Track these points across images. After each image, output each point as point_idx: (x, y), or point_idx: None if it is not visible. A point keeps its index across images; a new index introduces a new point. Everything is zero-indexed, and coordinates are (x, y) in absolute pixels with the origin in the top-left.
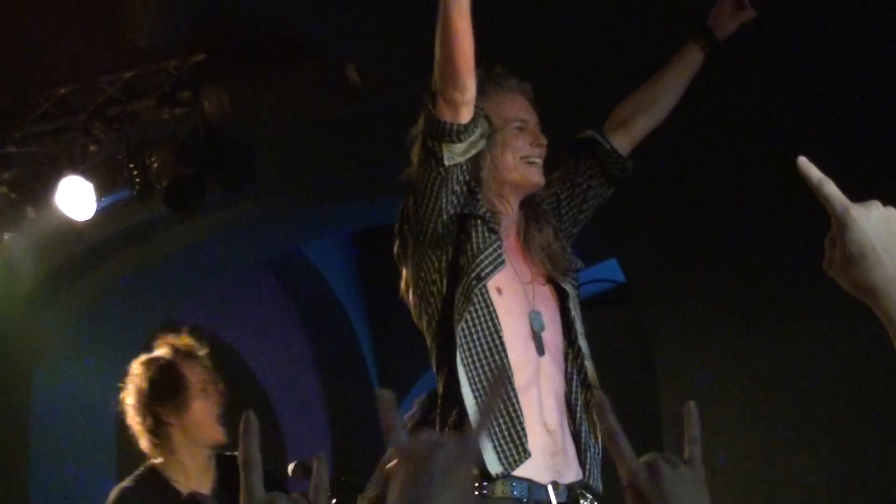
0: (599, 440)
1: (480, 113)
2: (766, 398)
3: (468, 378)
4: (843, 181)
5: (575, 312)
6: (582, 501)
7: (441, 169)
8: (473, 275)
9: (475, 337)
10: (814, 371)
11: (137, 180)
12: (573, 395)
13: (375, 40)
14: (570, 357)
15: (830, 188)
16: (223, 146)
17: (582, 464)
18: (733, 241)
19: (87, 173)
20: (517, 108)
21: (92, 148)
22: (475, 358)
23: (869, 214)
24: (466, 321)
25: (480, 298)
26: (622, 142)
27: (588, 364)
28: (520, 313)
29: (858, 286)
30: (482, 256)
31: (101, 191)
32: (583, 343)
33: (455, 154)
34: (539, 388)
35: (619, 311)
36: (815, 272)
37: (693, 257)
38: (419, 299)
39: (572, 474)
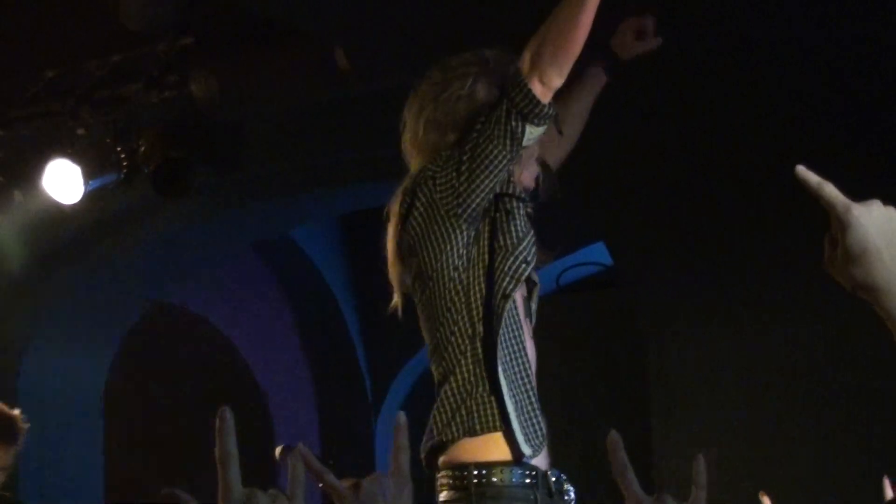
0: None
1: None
2: (753, 381)
3: (503, 360)
4: (835, 171)
5: (534, 306)
6: (566, 486)
7: (515, 148)
8: (521, 257)
9: (512, 321)
10: (802, 355)
11: (125, 164)
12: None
13: (364, 24)
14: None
15: (830, 190)
16: (211, 130)
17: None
18: (721, 224)
19: (74, 157)
20: None
21: (79, 131)
22: (510, 343)
23: (870, 213)
24: (513, 304)
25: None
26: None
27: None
28: (520, 300)
29: (859, 285)
30: (527, 240)
31: (89, 174)
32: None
33: (532, 137)
34: (533, 369)
35: (606, 294)
36: (803, 256)
37: (681, 240)
38: (431, 270)
39: (551, 460)
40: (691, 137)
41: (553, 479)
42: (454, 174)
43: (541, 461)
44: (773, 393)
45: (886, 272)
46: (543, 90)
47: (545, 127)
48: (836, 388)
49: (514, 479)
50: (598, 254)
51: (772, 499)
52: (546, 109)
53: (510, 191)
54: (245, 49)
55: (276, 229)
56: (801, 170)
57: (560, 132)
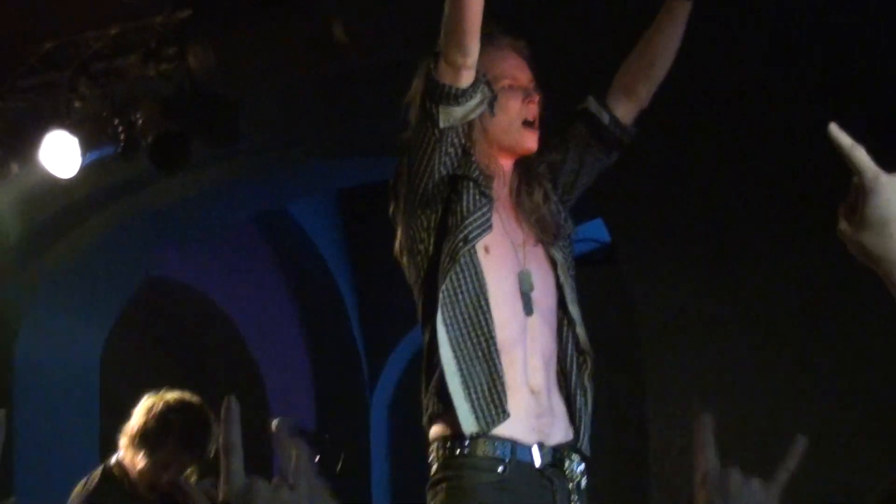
0: (589, 405)
1: (482, 79)
2: (750, 358)
3: (449, 337)
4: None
5: (563, 279)
6: (567, 462)
7: (436, 131)
8: (461, 236)
9: (459, 296)
10: (800, 330)
11: (122, 136)
12: (568, 360)
13: None
14: (564, 323)
15: (861, 154)
16: (209, 103)
17: (575, 427)
18: (718, 201)
19: (71, 129)
20: (508, 66)
21: (77, 104)
22: (458, 317)
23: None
24: (451, 280)
25: (468, 259)
26: (627, 108)
27: (580, 331)
28: (507, 273)
29: (870, 254)
30: (471, 219)
31: (86, 147)
32: (573, 309)
33: (452, 117)
34: (525, 348)
35: (604, 271)
36: (800, 232)
37: (678, 218)
38: (408, 257)
39: (560, 435)
40: (689, 114)
41: (539, 452)
42: (404, 162)
43: (526, 434)
44: (769, 366)
45: None
46: (450, 70)
47: (472, 104)
48: (834, 360)
49: (479, 452)
50: (595, 231)
51: (768, 464)
52: (452, 89)
53: (466, 171)
54: (243, 22)
55: (273, 203)
56: (834, 128)
57: (491, 110)
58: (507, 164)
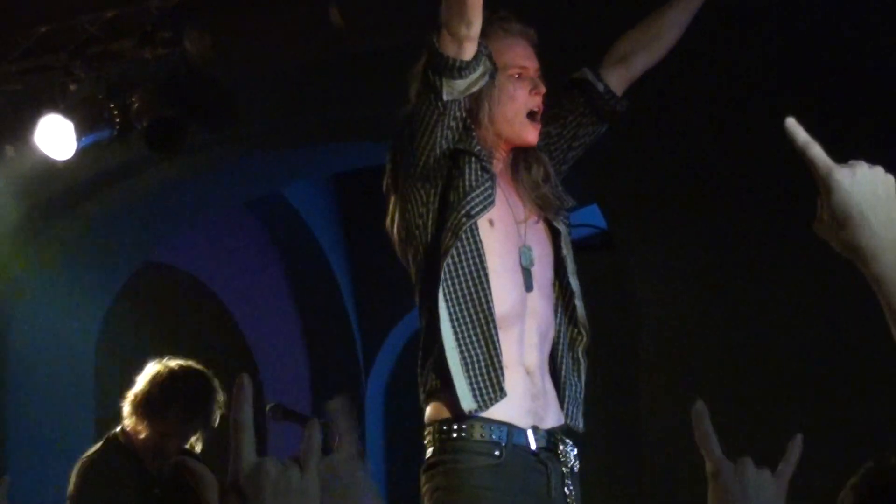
0: (581, 379)
1: (484, 51)
2: (746, 345)
3: (449, 313)
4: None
5: (566, 251)
6: (561, 447)
7: (439, 103)
8: (463, 212)
9: (460, 272)
10: (795, 316)
11: (118, 120)
12: (559, 333)
13: None
14: (560, 294)
15: (815, 150)
16: (205, 87)
17: (561, 401)
18: (715, 187)
19: (67, 112)
20: (517, 54)
21: (72, 87)
22: (458, 293)
23: (853, 175)
24: (452, 257)
25: (469, 235)
26: (619, 78)
27: (578, 303)
28: (510, 247)
29: (846, 247)
30: (474, 194)
31: (82, 130)
32: (573, 281)
33: (455, 90)
34: (523, 325)
35: (600, 257)
36: (794, 221)
37: (674, 204)
38: (405, 232)
39: (553, 419)
40: (685, 101)
41: (535, 437)
42: (406, 134)
43: (521, 417)
44: (765, 353)
45: (872, 235)
46: (452, 41)
47: (474, 76)
48: (827, 352)
49: (475, 435)
50: (591, 216)
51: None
52: (455, 62)
53: (468, 146)
54: (239, 6)
55: (268, 187)
56: (791, 123)
57: (493, 77)
58: (507, 145)
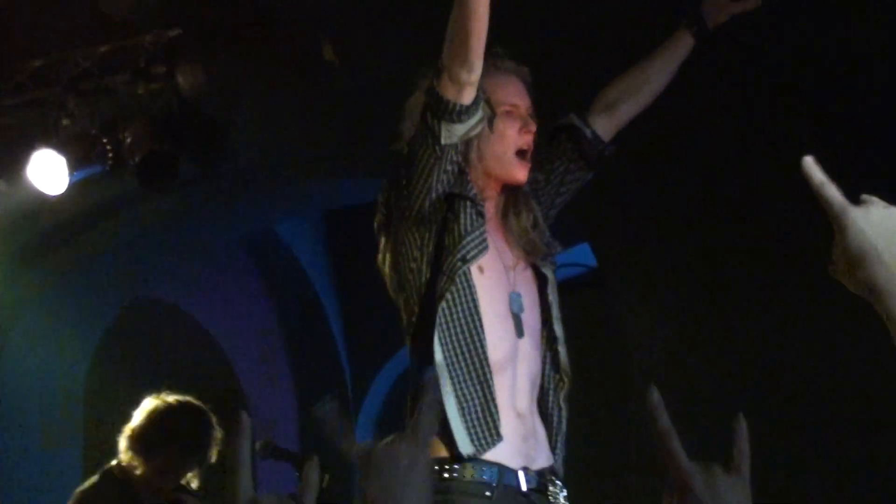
0: (563, 425)
1: (482, 97)
2: (737, 383)
3: (444, 357)
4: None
5: (552, 297)
6: (551, 488)
7: (437, 147)
8: (459, 256)
9: (454, 316)
10: (785, 354)
11: (110, 155)
12: (546, 379)
13: (352, 18)
14: (545, 341)
15: (830, 191)
16: (197, 122)
17: (552, 447)
18: (705, 226)
19: (59, 147)
20: (509, 92)
21: (65, 122)
22: (453, 337)
23: (867, 215)
24: (447, 301)
25: (463, 280)
26: (606, 125)
27: (561, 349)
28: (500, 294)
29: (861, 286)
30: (468, 238)
31: (74, 165)
32: (557, 327)
33: (453, 134)
34: (515, 370)
35: (590, 295)
36: (786, 258)
37: (665, 242)
38: (397, 274)
39: (543, 459)
40: (676, 140)
41: (525, 477)
42: (402, 176)
43: (512, 458)
44: (756, 392)
45: (887, 273)
46: (453, 86)
47: (472, 121)
48: (816, 390)
49: (466, 476)
50: (582, 255)
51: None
52: (455, 106)
53: (462, 190)
54: (232, 41)
55: (260, 223)
56: (808, 163)
57: (490, 127)
58: (497, 186)
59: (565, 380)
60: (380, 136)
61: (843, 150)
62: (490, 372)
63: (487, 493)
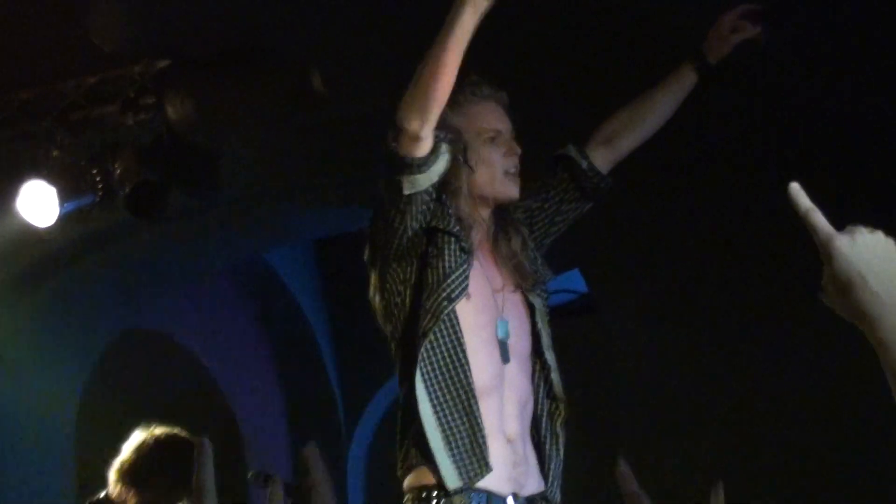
0: (561, 453)
1: (442, 138)
2: (730, 409)
3: (428, 392)
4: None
5: (541, 325)
6: None
7: (402, 197)
8: (444, 295)
9: (437, 352)
10: (779, 381)
11: (100, 186)
12: (539, 407)
13: (340, 49)
14: (538, 369)
15: (816, 217)
16: (187, 153)
17: (545, 475)
18: (697, 252)
19: (49, 178)
20: (490, 118)
21: (55, 153)
22: (436, 371)
23: (853, 242)
24: (431, 341)
25: (447, 318)
26: (604, 158)
27: (554, 376)
28: (486, 320)
29: (850, 313)
30: (454, 276)
31: (64, 196)
32: (549, 355)
33: (416, 184)
34: (501, 396)
35: (582, 321)
36: (777, 283)
37: (656, 268)
38: (384, 307)
39: (533, 485)
40: (668, 164)
41: (514, 503)
42: (379, 217)
43: (501, 485)
44: (749, 418)
45: (874, 300)
46: (408, 140)
47: (438, 167)
48: (807, 414)
49: (457, 502)
50: (573, 281)
51: None
52: (412, 160)
53: (446, 226)
54: (221, 72)
55: (250, 252)
56: (795, 189)
57: (464, 157)
58: (485, 212)
59: (561, 407)
60: (367, 165)
61: (830, 178)
62: (476, 403)
63: None
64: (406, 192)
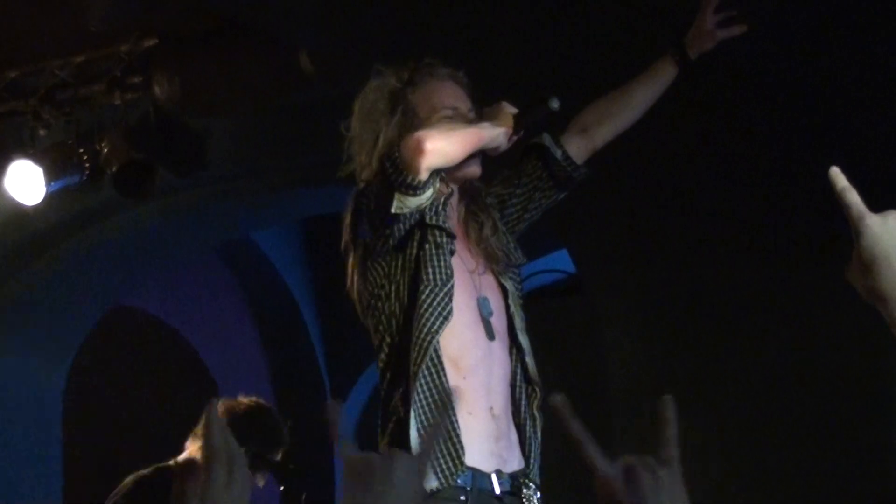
0: (538, 434)
1: (437, 174)
2: (716, 388)
3: (415, 414)
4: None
5: (514, 308)
6: (525, 490)
7: (388, 213)
8: (449, 294)
9: (427, 386)
10: (763, 360)
11: (87, 165)
12: (518, 389)
13: (328, 29)
14: (514, 353)
15: (852, 196)
16: (174, 132)
17: (525, 456)
18: (684, 231)
19: (36, 157)
20: (447, 95)
21: (41, 132)
22: (425, 402)
23: (885, 223)
24: (421, 378)
25: (433, 353)
26: (580, 148)
27: (529, 360)
28: (468, 300)
29: (869, 292)
30: (438, 300)
31: (51, 175)
32: (523, 338)
33: (405, 206)
34: (490, 371)
35: (569, 301)
36: (765, 263)
37: (643, 247)
38: (364, 299)
39: (516, 462)
40: (654, 145)
41: (499, 481)
42: (365, 209)
43: (486, 461)
44: (735, 397)
45: (894, 282)
46: (415, 163)
47: (426, 196)
48: (796, 392)
49: (441, 481)
50: (560, 261)
51: (728, 491)
52: (412, 180)
53: (440, 222)
54: (209, 51)
55: (237, 232)
56: (835, 171)
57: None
58: (455, 189)
59: (537, 390)
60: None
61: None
62: (453, 406)
63: (462, 498)
64: (393, 210)
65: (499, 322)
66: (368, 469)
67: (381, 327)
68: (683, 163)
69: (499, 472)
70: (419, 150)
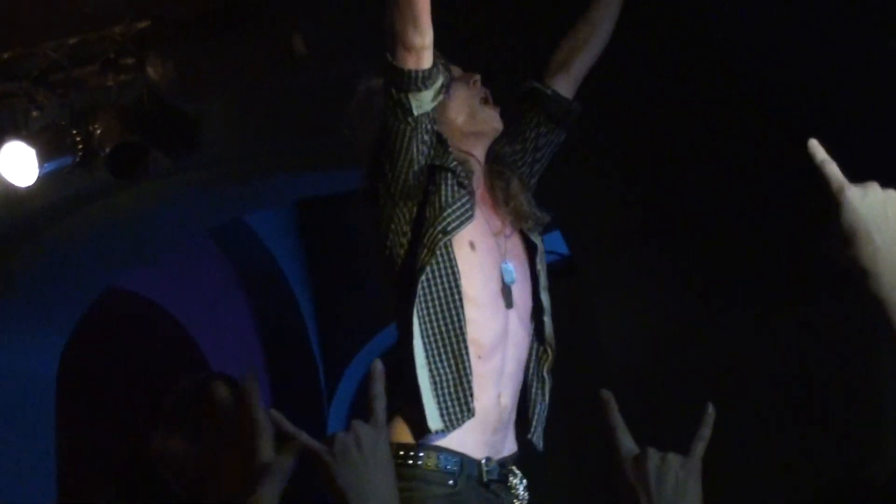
0: (546, 398)
1: (439, 60)
2: (711, 372)
3: (421, 331)
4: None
5: (541, 266)
6: (512, 479)
7: (410, 119)
8: (440, 228)
9: (434, 291)
10: (758, 342)
11: (80, 147)
12: (529, 350)
13: (323, 11)
14: (533, 311)
15: (831, 168)
16: (168, 113)
17: (530, 419)
18: (678, 213)
19: (29, 139)
20: (455, 69)
21: (34, 114)
22: (431, 312)
23: (864, 195)
24: (427, 275)
25: (444, 253)
26: (564, 85)
27: (547, 320)
28: (492, 267)
29: (849, 265)
30: (449, 210)
31: (44, 157)
32: (544, 297)
33: (423, 102)
34: (504, 354)
35: (563, 283)
36: (761, 247)
37: (637, 229)
38: (388, 251)
39: (507, 448)
40: (647, 126)
41: (488, 468)
42: (383, 159)
43: (477, 448)
44: (730, 381)
45: (876, 255)
46: (409, 54)
47: (438, 84)
48: (791, 379)
49: (430, 465)
50: (554, 243)
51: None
52: (416, 73)
53: (443, 162)
54: (203, 33)
55: (231, 215)
56: (813, 143)
57: (446, 92)
58: (479, 154)
59: (549, 351)
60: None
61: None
62: (466, 347)
63: (450, 482)
64: (416, 112)
65: (521, 288)
66: (337, 447)
67: (393, 274)
68: (678, 144)
69: (488, 460)
70: (403, 47)
